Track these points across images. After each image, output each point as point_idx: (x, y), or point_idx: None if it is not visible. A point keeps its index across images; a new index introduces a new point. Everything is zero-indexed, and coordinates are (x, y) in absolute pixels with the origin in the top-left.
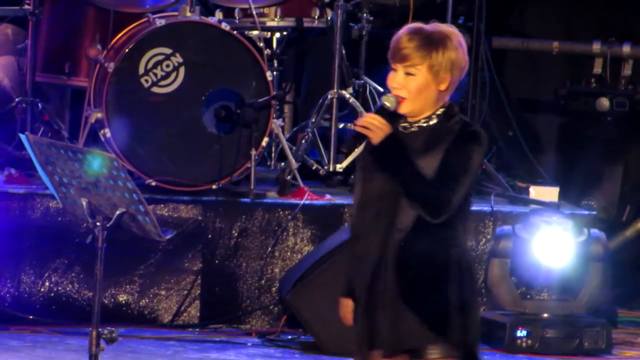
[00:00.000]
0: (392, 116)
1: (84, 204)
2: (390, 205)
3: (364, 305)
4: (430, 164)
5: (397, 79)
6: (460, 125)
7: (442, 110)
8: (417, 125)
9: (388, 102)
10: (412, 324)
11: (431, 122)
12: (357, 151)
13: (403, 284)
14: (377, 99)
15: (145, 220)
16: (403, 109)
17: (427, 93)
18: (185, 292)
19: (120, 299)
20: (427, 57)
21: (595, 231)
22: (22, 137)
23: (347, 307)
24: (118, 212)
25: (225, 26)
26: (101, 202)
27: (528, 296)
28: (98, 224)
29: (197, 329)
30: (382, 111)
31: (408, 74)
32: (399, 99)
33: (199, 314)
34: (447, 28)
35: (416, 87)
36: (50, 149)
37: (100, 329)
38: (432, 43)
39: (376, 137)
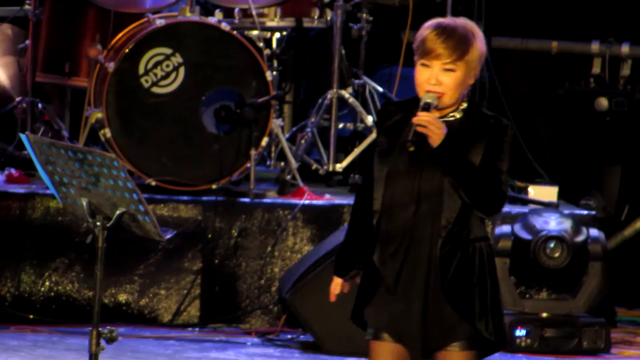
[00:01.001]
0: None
1: (84, 203)
2: (432, 202)
3: (396, 302)
4: (472, 160)
5: (434, 75)
6: (495, 121)
7: (465, 104)
8: (442, 120)
9: (430, 99)
10: (453, 318)
11: (457, 117)
12: (359, 150)
13: (445, 279)
14: (376, 99)
15: (145, 220)
16: (441, 104)
17: (462, 87)
18: (185, 291)
19: (120, 299)
20: (466, 52)
21: (594, 231)
22: (23, 136)
23: (337, 287)
24: (118, 212)
25: (225, 26)
26: (101, 201)
27: (527, 295)
28: (98, 223)
29: (197, 329)
30: (427, 110)
31: (447, 70)
32: (437, 95)
33: (198, 314)
34: (470, 22)
35: (455, 82)
36: (50, 148)
37: (100, 329)
38: (467, 38)
39: (437, 138)
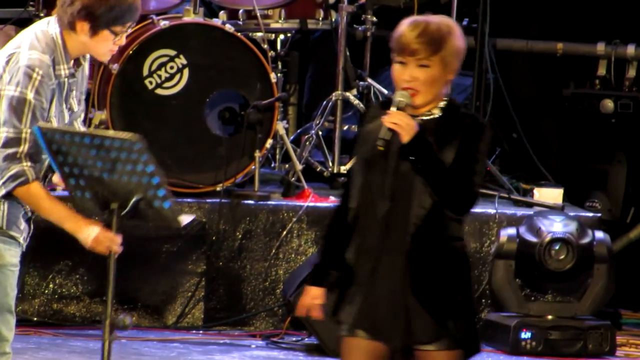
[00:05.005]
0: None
1: (93, 196)
2: (404, 200)
3: (371, 298)
4: (445, 159)
5: (408, 72)
6: (471, 120)
7: (444, 103)
8: (419, 118)
9: (403, 97)
10: (424, 318)
11: (434, 116)
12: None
13: (415, 279)
14: (380, 100)
15: (162, 206)
16: (417, 101)
17: (438, 84)
18: (189, 294)
19: (124, 301)
20: (440, 48)
21: (599, 233)
22: (35, 128)
23: (315, 296)
24: (135, 199)
25: (229, 28)
26: (116, 190)
27: (532, 298)
28: (113, 207)
29: (201, 331)
30: (399, 108)
31: (422, 65)
32: (411, 92)
33: (202, 316)
34: (446, 18)
35: (429, 79)
36: (63, 137)
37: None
38: (441, 34)
39: (407, 135)
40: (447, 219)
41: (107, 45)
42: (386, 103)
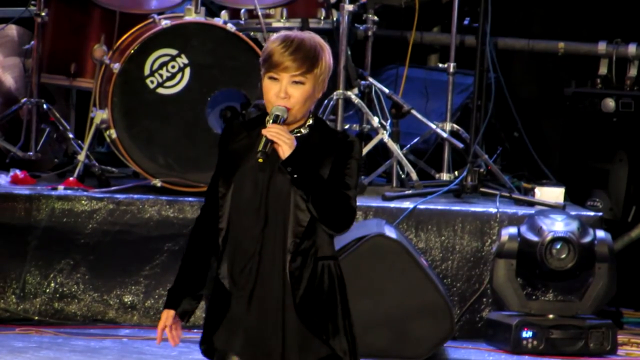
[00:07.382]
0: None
1: None
2: (280, 217)
3: (258, 320)
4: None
5: (283, 88)
6: (342, 137)
7: (312, 120)
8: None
9: (279, 111)
10: (303, 340)
11: (303, 132)
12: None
13: (297, 296)
14: (382, 100)
15: None
16: (289, 118)
17: (310, 101)
18: None
19: (126, 300)
20: (315, 65)
21: (600, 232)
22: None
23: (169, 319)
24: None
25: (230, 27)
26: None
27: (533, 297)
28: None
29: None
30: (276, 122)
31: (297, 82)
32: (286, 107)
33: (204, 315)
34: (315, 35)
35: (303, 96)
36: None
37: None
38: (316, 51)
39: (288, 149)
40: (320, 237)
41: None
42: (249, 123)
